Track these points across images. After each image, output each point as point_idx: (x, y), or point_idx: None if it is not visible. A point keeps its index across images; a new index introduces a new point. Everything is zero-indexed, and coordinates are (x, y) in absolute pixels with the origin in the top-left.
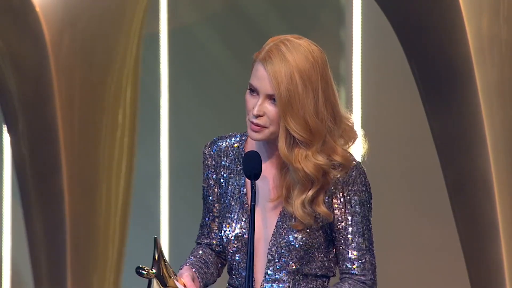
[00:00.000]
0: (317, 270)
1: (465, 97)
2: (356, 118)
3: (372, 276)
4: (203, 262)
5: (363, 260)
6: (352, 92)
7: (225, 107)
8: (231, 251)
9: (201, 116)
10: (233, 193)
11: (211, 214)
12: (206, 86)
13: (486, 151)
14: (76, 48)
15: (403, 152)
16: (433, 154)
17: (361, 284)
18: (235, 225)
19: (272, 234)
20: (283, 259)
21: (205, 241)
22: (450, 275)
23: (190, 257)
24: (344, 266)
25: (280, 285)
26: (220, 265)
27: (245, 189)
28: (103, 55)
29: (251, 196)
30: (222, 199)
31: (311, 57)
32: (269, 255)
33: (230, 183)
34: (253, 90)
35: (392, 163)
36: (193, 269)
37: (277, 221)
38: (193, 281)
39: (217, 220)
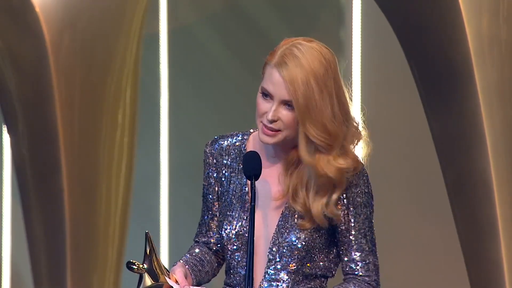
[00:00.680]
0: (317, 271)
1: (465, 97)
2: (356, 118)
3: (376, 277)
4: (198, 260)
5: (367, 261)
6: (352, 92)
7: (225, 107)
8: (231, 249)
9: (201, 116)
10: (235, 191)
11: (210, 212)
12: (206, 86)
13: (486, 151)
14: (76, 48)
15: (403, 152)
16: (433, 154)
17: (365, 284)
18: (236, 223)
19: (274, 233)
20: (284, 259)
21: (203, 240)
22: (450, 275)
23: (186, 254)
24: (347, 267)
25: (280, 285)
26: (216, 264)
27: (246, 188)
28: (103, 55)
29: (251, 196)
30: (223, 197)
31: (324, 61)
32: (269, 255)
33: (232, 181)
34: (267, 95)
35: (392, 163)
36: (187, 266)
37: (279, 221)
38: (186, 277)
39: (216, 218)
